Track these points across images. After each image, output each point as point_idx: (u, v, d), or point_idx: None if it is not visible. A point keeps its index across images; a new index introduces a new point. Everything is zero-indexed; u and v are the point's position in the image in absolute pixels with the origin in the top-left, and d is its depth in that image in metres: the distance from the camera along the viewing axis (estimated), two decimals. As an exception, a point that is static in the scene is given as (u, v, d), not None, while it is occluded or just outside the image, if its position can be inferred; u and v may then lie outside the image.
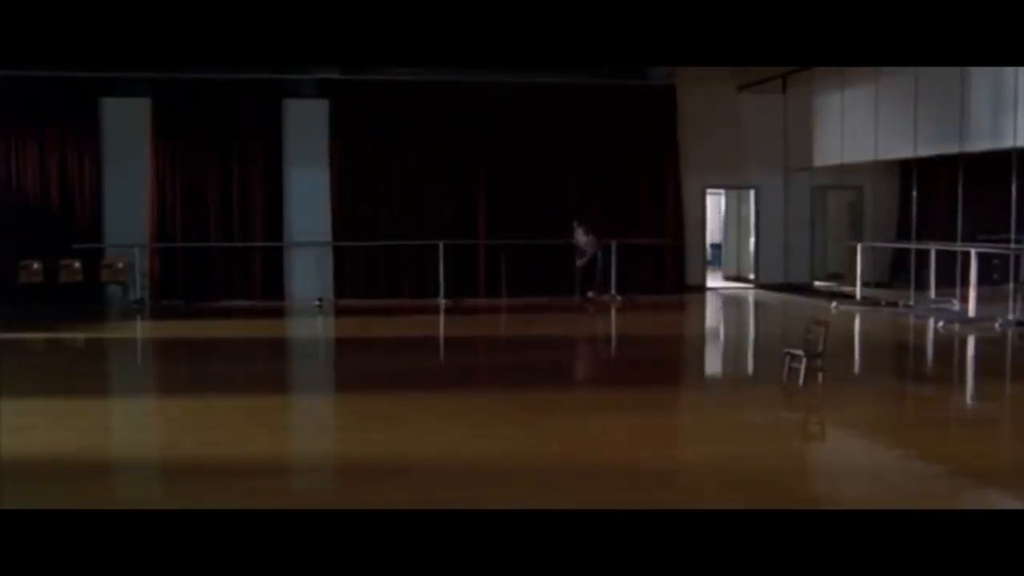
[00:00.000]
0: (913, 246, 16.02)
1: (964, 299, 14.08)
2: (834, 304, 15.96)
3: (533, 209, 18.23)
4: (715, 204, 21.84)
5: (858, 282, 16.80)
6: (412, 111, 17.88)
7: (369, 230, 17.92)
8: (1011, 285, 14.12)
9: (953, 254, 14.79)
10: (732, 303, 18.36)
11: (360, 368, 11.29)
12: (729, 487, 5.62)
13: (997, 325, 13.17)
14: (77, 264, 17.04)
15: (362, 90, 17.73)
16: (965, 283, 14.15)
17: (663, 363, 11.73)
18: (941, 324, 13.63)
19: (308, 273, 17.90)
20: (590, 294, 16.64)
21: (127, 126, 17.40)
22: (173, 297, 17.31)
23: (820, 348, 9.14)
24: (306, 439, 7.75)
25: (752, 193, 20.03)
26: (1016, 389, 9.90)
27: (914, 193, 16.10)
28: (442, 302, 17.21)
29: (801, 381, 8.93)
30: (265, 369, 11.54)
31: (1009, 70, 13.17)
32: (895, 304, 15.79)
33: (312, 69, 17.47)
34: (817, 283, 19.19)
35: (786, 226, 19.59)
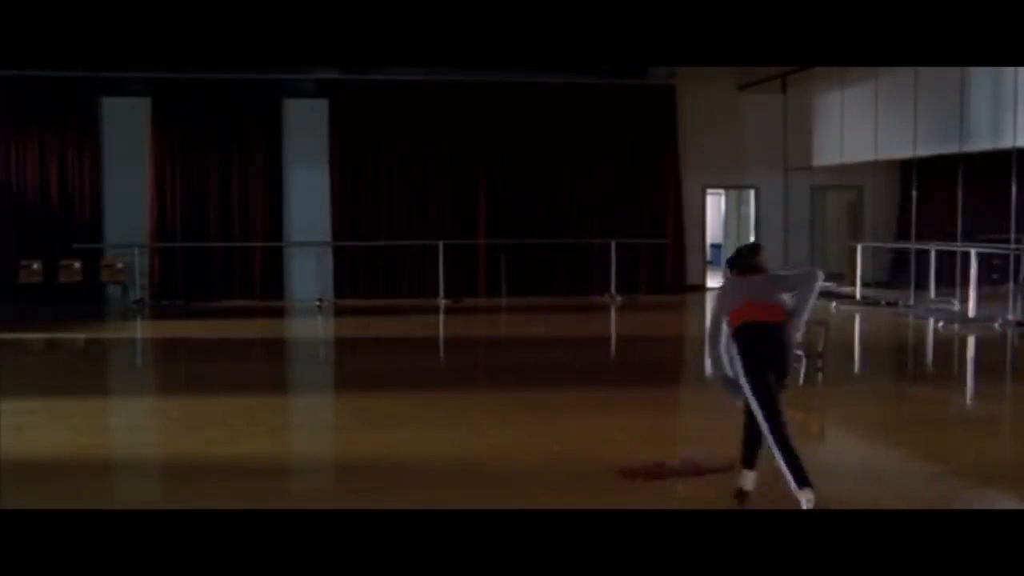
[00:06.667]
0: (913, 246, 16.02)
1: (964, 299, 14.08)
2: (834, 304, 15.96)
3: (533, 209, 18.22)
4: (715, 204, 21.84)
5: (858, 282, 16.80)
6: (412, 111, 17.87)
7: (369, 230, 17.91)
8: (1011, 285, 14.12)
9: (953, 254, 14.79)
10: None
11: (360, 368, 11.29)
12: (729, 487, 5.60)
13: (997, 325, 13.17)
14: (77, 264, 17.03)
15: (362, 90, 17.72)
16: (965, 283, 14.15)
17: (663, 363, 11.73)
18: (941, 324, 13.63)
19: (308, 273, 17.89)
20: None
21: (127, 126, 17.39)
22: (173, 297, 17.30)
23: (820, 348, 9.15)
24: (306, 439, 7.75)
25: (752, 193, 20.03)
26: (1016, 389, 9.90)
27: (914, 193, 16.09)
28: (442, 302, 17.20)
29: (801, 381, 8.93)
30: (265, 369, 11.54)
31: (1009, 70, 13.17)
32: (895, 304, 15.79)
33: (312, 69, 17.47)
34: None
35: (786, 226, 19.58)
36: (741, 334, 5.19)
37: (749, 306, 5.22)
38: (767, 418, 5.01)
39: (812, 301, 5.29)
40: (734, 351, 5.21)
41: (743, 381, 5.16)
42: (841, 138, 17.55)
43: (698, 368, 12.14)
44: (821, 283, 5.31)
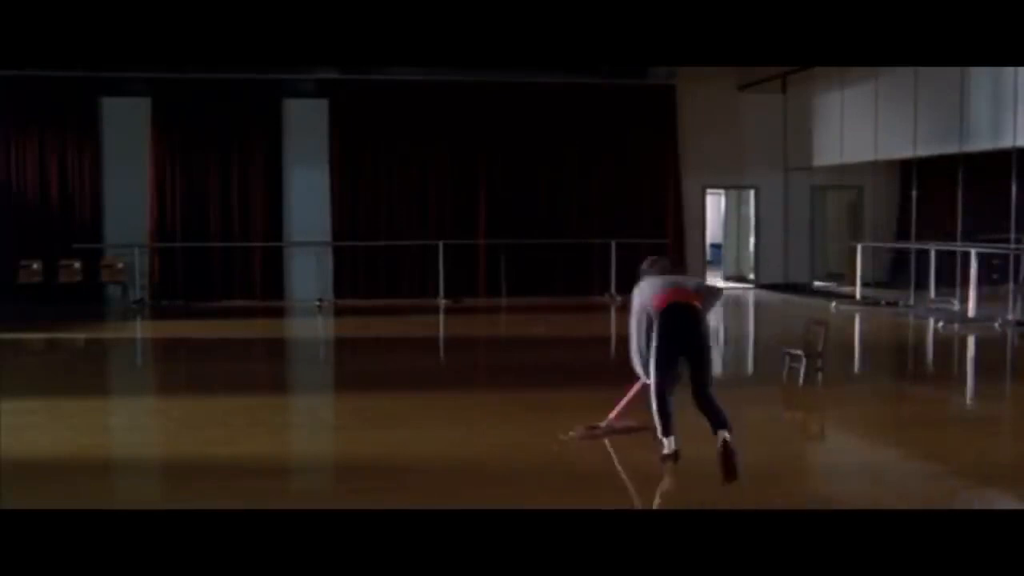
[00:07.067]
0: (913, 246, 16.02)
1: (964, 299, 14.08)
2: (834, 304, 15.96)
3: (533, 209, 18.23)
4: (715, 204, 21.84)
5: (858, 282, 16.80)
6: (412, 111, 17.88)
7: (369, 230, 17.91)
8: (1011, 285, 14.12)
9: (953, 254, 14.79)
10: (732, 303, 18.35)
11: (360, 368, 11.29)
12: (729, 487, 5.60)
13: (997, 325, 13.17)
14: (77, 264, 17.04)
15: (362, 90, 17.73)
16: (965, 283, 14.15)
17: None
18: (941, 324, 13.63)
19: (308, 273, 17.89)
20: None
21: (127, 126, 17.39)
22: (173, 297, 17.30)
23: (820, 348, 9.14)
24: (306, 439, 7.75)
25: (752, 193, 20.03)
26: (1016, 389, 9.90)
27: (914, 193, 16.10)
28: (442, 302, 17.20)
29: (801, 381, 8.93)
30: (265, 369, 11.54)
31: (1009, 70, 13.17)
32: (895, 304, 15.79)
33: (312, 69, 17.47)
34: (817, 283, 19.18)
35: (786, 226, 19.59)
36: (666, 314, 5.91)
37: (674, 291, 6.03)
38: (656, 382, 5.93)
39: (711, 311, 6.38)
40: (654, 330, 5.95)
41: (652, 349, 5.97)
42: (841, 138, 17.55)
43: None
44: (721, 301, 6.42)
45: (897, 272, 18.16)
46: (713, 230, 21.56)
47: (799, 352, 9.10)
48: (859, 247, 17.21)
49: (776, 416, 8.29)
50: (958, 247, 14.55)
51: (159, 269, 17.54)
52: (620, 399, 6.90)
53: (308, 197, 17.84)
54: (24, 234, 16.95)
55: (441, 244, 17.57)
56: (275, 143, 17.82)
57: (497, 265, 18.02)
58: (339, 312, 16.70)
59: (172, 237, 17.50)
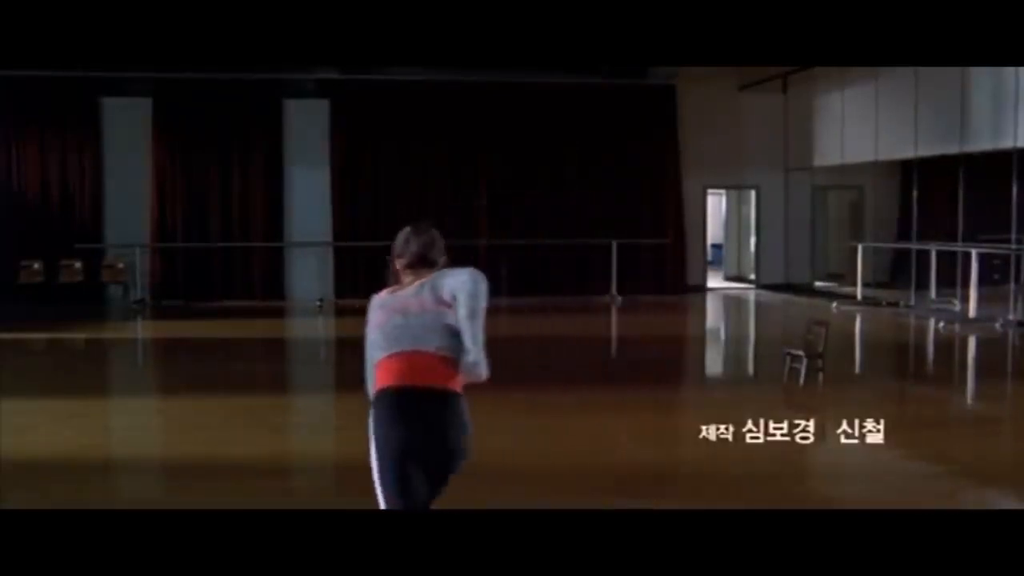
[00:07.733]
0: (914, 246, 16.01)
1: (965, 299, 14.07)
2: (835, 304, 15.95)
3: (533, 209, 18.22)
4: (715, 204, 21.83)
5: (859, 282, 16.79)
6: (412, 111, 17.87)
7: (369, 230, 17.90)
8: (1012, 285, 14.11)
9: (954, 254, 14.78)
10: (733, 303, 18.35)
11: (360, 368, 11.26)
12: (729, 487, 5.62)
13: (998, 325, 13.16)
14: (78, 264, 17.03)
15: (362, 90, 17.72)
16: (966, 283, 14.14)
17: (664, 363, 11.72)
18: (942, 324, 13.62)
19: (308, 273, 17.89)
20: None
21: (127, 126, 17.39)
22: (173, 297, 17.30)
23: (821, 348, 9.14)
24: (306, 439, 7.75)
25: (752, 193, 20.02)
26: (1016, 389, 9.90)
27: (914, 193, 16.09)
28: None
29: (802, 381, 8.93)
30: (265, 369, 11.54)
31: (1009, 70, 13.16)
32: (896, 304, 15.78)
33: (312, 69, 17.46)
34: (818, 283, 19.17)
35: (786, 226, 19.58)
36: (395, 402, 4.50)
37: (412, 357, 4.05)
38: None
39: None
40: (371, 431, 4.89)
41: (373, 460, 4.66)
42: (842, 138, 17.54)
43: (699, 368, 12.14)
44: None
45: (898, 272, 18.14)
46: (714, 230, 21.55)
47: (800, 352, 9.09)
48: (860, 247, 17.20)
49: (777, 416, 8.27)
50: (959, 247, 14.55)
51: (160, 269, 17.54)
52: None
53: (308, 197, 17.83)
54: (25, 234, 16.94)
55: (441, 244, 17.52)
56: (275, 143, 17.81)
57: (497, 265, 17.99)
58: (339, 312, 16.69)
59: (173, 237, 17.50)
